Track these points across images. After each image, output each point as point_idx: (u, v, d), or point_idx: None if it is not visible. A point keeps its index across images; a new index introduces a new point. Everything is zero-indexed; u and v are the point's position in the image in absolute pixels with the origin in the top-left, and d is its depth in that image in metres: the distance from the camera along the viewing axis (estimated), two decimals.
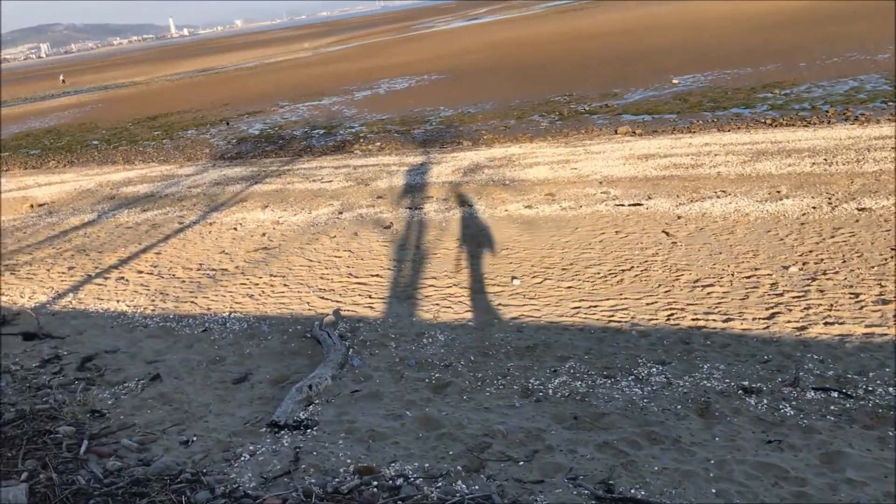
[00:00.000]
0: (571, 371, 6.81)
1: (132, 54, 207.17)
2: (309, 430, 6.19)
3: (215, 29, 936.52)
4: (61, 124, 42.92)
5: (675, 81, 26.67)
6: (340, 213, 15.28)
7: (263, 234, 14.23)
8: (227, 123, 33.37)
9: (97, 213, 18.31)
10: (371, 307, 9.30)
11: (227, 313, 9.74)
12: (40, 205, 20.84)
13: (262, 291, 10.51)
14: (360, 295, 9.81)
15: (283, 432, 6.19)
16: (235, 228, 15.09)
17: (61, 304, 11.03)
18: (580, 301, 8.58)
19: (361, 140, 25.44)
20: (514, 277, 9.62)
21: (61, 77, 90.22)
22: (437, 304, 9.07)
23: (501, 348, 7.50)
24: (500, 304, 8.78)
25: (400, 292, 9.73)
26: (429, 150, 21.97)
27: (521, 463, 5.38)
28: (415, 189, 16.56)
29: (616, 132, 20.73)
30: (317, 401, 6.77)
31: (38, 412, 7.01)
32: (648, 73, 29.43)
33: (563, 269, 9.76)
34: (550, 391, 6.49)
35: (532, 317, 8.28)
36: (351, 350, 7.87)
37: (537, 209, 13.30)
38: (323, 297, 9.87)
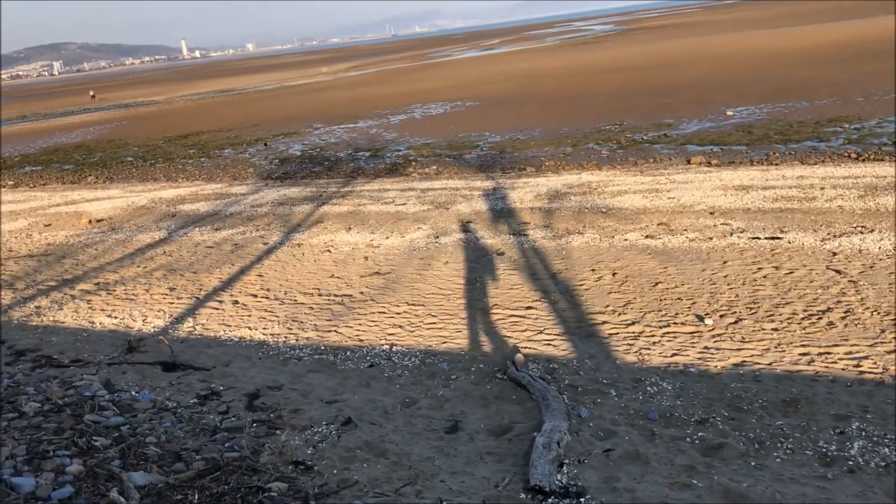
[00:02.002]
0: (864, 434, 5.59)
1: (147, 74, 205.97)
2: (581, 499, 4.93)
3: (227, 52, 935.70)
4: (89, 140, 41.64)
5: (729, 113, 25.69)
6: (437, 237, 14.12)
7: (366, 258, 13.06)
8: (266, 144, 32.17)
9: (166, 231, 17.05)
10: (551, 345, 8.10)
11: (387, 346, 8.48)
12: (98, 220, 19.55)
13: (410, 321, 9.32)
14: (528, 330, 8.62)
15: (550, 500, 4.94)
16: (329, 251, 13.91)
17: (183, 330, 9.79)
18: (802, 346, 7.44)
19: (414, 163, 24.28)
20: (700, 317, 8.39)
21: (91, 93, 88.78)
22: (630, 345, 7.89)
23: (753, 402, 6.33)
24: (708, 348, 7.63)
25: (574, 328, 8.54)
26: (492, 175, 20.85)
27: None
28: (503, 214, 15.42)
29: (689, 162, 19.70)
30: (566, 461, 5.51)
31: (231, 462, 5.77)
32: (693, 104, 28.49)
33: (749, 309, 8.60)
34: (859, 459, 5.27)
35: (760, 364, 7.11)
36: (564, 397, 6.60)
37: (661, 239, 12.15)
38: (487, 332, 8.63)
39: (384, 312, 9.81)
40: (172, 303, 11.23)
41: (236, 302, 10.95)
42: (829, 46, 41.51)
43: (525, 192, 17.72)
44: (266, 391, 7.37)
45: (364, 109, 40.18)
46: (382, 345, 8.63)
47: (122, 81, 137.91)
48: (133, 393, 7.52)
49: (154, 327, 10.06)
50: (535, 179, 19.41)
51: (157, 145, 36.28)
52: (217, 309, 10.68)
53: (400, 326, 9.21)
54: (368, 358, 8.21)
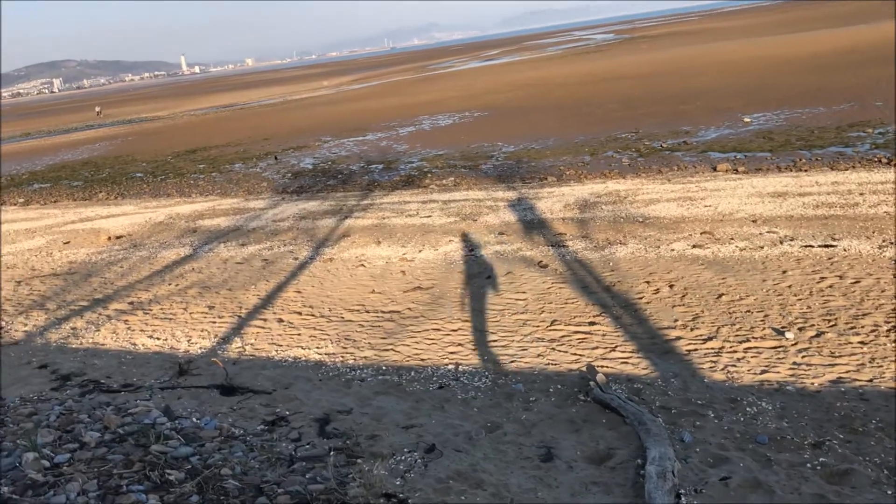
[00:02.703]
0: None
1: (148, 90, 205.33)
2: None
3: (226, 67, 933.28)
4: (95, 157, 41.19)
5: (747, 120, 25.32)
6: (472, 249, 13.62)
7: (403, 272, 12.63)
8: (276, 158, 31.74)
9: (190, 247, 16.59)
10: (628, 363, 7.67)
11: (452, 366, 8.04)
12: (118, 237, 19.09)
13: (469, 339, 8.87)
14: (598, 347, 8.19)
15: None
16: (363, 265, 13.47)
17: (233, 351, 9.34)
18: None
19: (430, 175, 23.88)
20: (779, 330, 7.96)
21: (97, 109, 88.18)
22: (713, 362, 7.46)
23: (866, 422, 5.88)
24: (798, 364, 7.21)
25: (647, 345, 8.10)
26: (513, 186, 20.46)
27: None
28: (535, 225, 15.00)
29: (715, 169, 19.34)
30: (681, 490, 5.05)
31: (318, 496, 5.33)
32: (708, 111, 28.14)
33: (826, 321, 8.18)
34: None
35: (860, 380, 6.74)
36: (659, 419, 6.14)
37: (709, 249, 11.74)
38: (555, 349, 8.20)
39: (439, 329, 9.37)
40: (214, 322, 10.77)
41: (281, 320, 10.50)
42: (834, 52, 41.25)
43: (552, 201, 17.30)
44: (336, 416, 6.92)
45: (372, 122, 39.78)
46: (446, 364, 8.19)
47: (124, 97, 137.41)
48: (194, 420, 7.06)
49: (201, 348, 9.61)
50: (559, 189, 18.99)
51: (166, 161, 35.83)
52: (263, 328, 10.22)
53: (460, 344, 8.77)
54: (435, 378, 7.76)
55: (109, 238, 19.19)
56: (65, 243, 19.04)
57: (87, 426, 7.24)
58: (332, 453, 6.30)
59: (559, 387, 7.27)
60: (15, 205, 28.90)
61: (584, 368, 7.54)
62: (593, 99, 36.63)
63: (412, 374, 7.98)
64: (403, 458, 5.99)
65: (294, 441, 6.55)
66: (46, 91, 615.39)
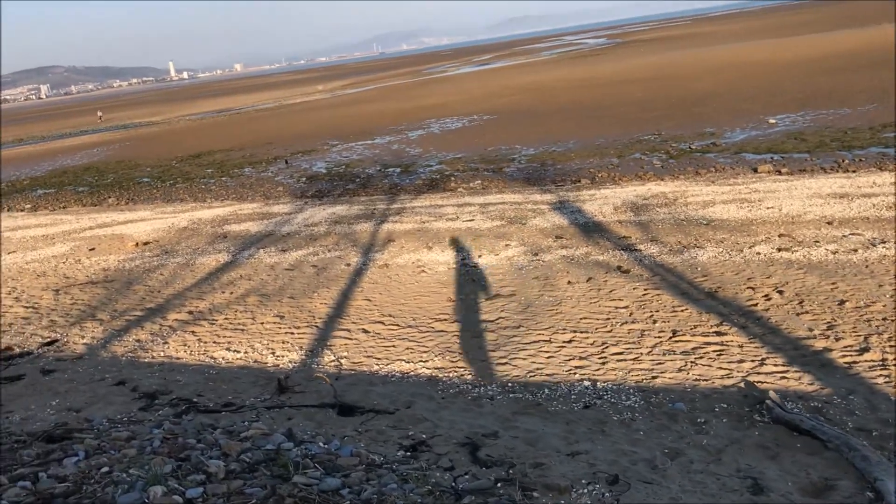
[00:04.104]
0: None
1: (138, 95, 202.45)
2: None
3: (215, 73, 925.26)
4: (96, 162, 40.04)
5: (772, 121, 24.72)
6: (535, 254, 12.94)
7: (473, 280, 11.79)
8: (287, 162, 30.79)
9: (227, 254, 15.70)
10: (788, 378, 7.01)
11: (588, 383, 7.21)
12: (145, 243, 18.12)
13: (589, 351, 8.09)
14: (744, 360, 7.51)
15: None
16: (424, 271, 12.71)
17: (328, 365, 8.52)
18: None
19: (453, 178, 23.12)
20: None
21: (99, 113, 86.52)
22: (886, 377, 6.64)
23: None
24: None
25: (796, 357, 7.42)
26: (547, 188, 19.72)
27: None
28: (591, 229, 14.27)
29: (756, 171, 18.65)
30: None
31: None
32: (726, 113, 27.57)
33: None
34: None
35: None
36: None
37: (798, 252, 11.07)
38: (696, 363, 7.42)
39: (549, 341, 8.56)
40: (292, 333, 9.90)
41: (366, 331, 9.66)
42: (836, 56, 40.85)
43: (597, 204, 16.55)
44: (482, 440, 6.10)
45: (377, 125, 38.91)
46: (579, 380, 7.35)
47: (116, 103, 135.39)
48: (321, 444, 6.17)
49: (291, 362, 8.74)
50: (598, 191, 18.26)
51: (171, 166, 34.81)
52: (349, 339, 9.38)
53: (582, 357, 7.97)
54: (574, 396, 6.95)
55: (137, 244, 18.26)
56: (90, 250, 18.07)
57: (202, 453, 6.33)
58: (498, 484, 5.42)
59: (724, 406, 6.48)
60: (22, 211, 27.83)
61: (742, 385, 6.70)
62: (603, 102, 35.95)
63: (545, 391, 7.14)
64: (585, 490, 5.17)
65: (447, 470, 5.71)
66: (33, 97, 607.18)
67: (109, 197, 28.15)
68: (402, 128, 37.09)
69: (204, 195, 26.02)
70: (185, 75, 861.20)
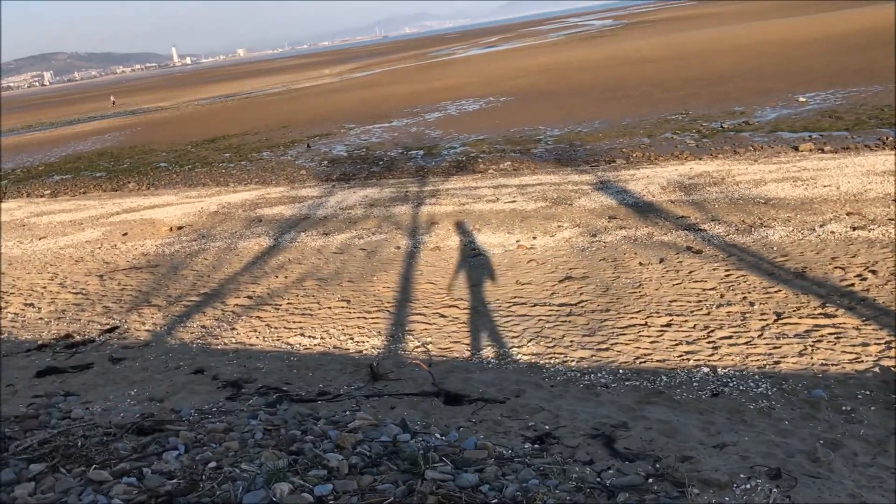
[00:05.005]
0: None
1: (142, 81, 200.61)
2: None
3: (217, 58, 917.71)
4: (109, 147, 39.43)
5: (802, 100, 24.22)
6: (593, 235, 12.51)
7: (534, 261, 11.38)
8: (308, 146, 30.18)
9: (268, 238, 15.27)
10: None
11: (705, 369, 6.77)
12: (178, 228, 17.63)
13: (692, 336, 7.72)
14: (871, 344, 7.00)
15: None
16: (479, 254, 12.11)
17: (412, 350, 8.01)
18: None
19: (480, 160, 22.61)
20: None
21: (112, 99, 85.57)
22: None
23: None
24: None
25: None
26: (582, 169, 19.26)
27: None
28: (644, 209, 13.84)
29: (797, 149, 18.17)
30: None
31: None
32: (751, 92, 27.12)
33: None
34: None
35: None
36: None
37: (876, 231, 10.76)
38: (816, 346, 6.97)
39: (647, 325, 8.14)
40: (364, 317, 9.47)
41: (441, 315, 9.26)
42: (858, 33, 40.16)
43: (642, 184, 16.12)
44: (612, 431, 5.64)
45: (392, 108, 38.33)
46: (695, 367, 6.91)
47: (121, 89, 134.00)
48: (438, 436, 5.71)
49: (374, 348, 8.32)
50: (637, 171, 17.83)
51: (187, 150, 34.24)
52: (428, 324, 8.96)
53: (689, 342, 7.53)
54: (696, 384, 6.48)
55: (171, 229, 17.80)
56: (123, 235, 17.61)
57: (315, 445, 5.89)
58: (648, 480, 4.98)
59: (866, 392, 6.06)
60: (42, 196, 27.32)
61: (877, 370, 6.25)
62: (621, 82, 35.40)
63: (663, 378, 6.71)
64: (748, 485, 4.69)
65: (586, 464, 5.28)
66: (37, 84, 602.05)
67: (129, 182, 27.64)
68: (418, 110, 36.52)
69: (226, 179, 25.52)
70: (187, 61, 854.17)
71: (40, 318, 11.21)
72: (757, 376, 6.62)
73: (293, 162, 27.40)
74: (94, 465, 5.57)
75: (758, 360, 6.98)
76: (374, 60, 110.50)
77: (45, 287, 13.13)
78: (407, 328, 8.94)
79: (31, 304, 12.07)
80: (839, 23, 48.96)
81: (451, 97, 39.48)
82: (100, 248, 16.40)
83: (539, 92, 36.55)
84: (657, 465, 5.19)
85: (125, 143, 40.91)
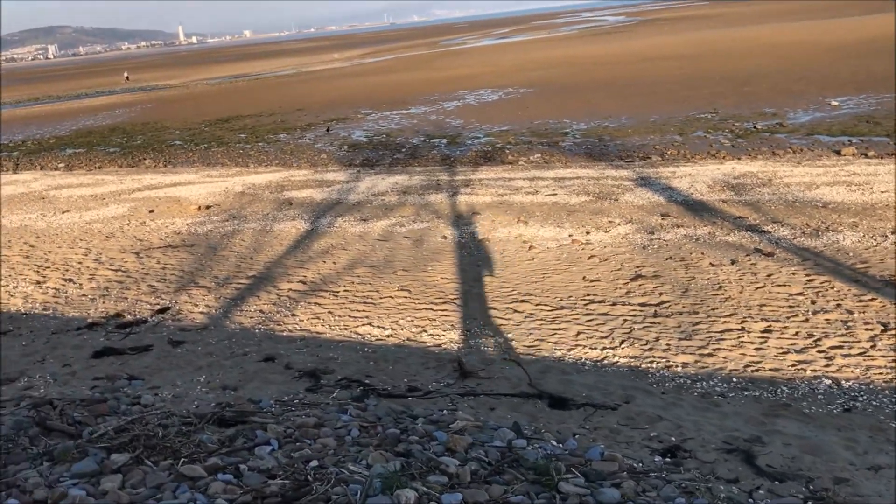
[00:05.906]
0: None
1: (148, 58, 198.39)
2: None
3: (223, 38, 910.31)
4: (121, 123, 38.78)
5: (834, 103, 23.81)
6: (650, 233, 12.09)
7: (594, 257, 10.83)
8: (328, 130, 29.59)
9: (305, 221, 14.88)
10: None
11: (827, 381, 6.31)
12: (206, 207, 17.11)
13: (799, 345, 7.34)
14: None
15: None
16: (532, 247, 11.73)
17: (495, 347, 7.52)
18: None
19: (508, 151, 22.22)
20: None
21: (125, 74, 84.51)
22: None
23: None
24: None
25: None
26: (616, 164, 18.84)
27: None
28: (695, 207, 13.47)
29: (839, 153, 17.72)
30: None
31: None
32: (780, 93, 26.82)
33: None
34: None
35: None
36: None
37: None
38: None
39: (744, 330, 7.65)
40: (431, 308, 9.01)
41: (515, 311, 8.80)
42: (882, 38, 39.56)
43: (685, 182, 15.70)
44: (747, 446, 5.16)
45: (409, 95, 37.77)
46: (814, 378, 6.43)
47: (130, 65, 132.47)
48: (554, 443, 5.22)
49: (451, 342, 7.82)
50: (677, 169, 17.40)
51: (201, 129, 33.65)
52: (504, 319, 8.56)
53: (798, 351, 7.03)
54: (821, 396, 6.00)
55: (199, 208, 17.28)
56: (150, 211, 17.11)
57: (422, 446, 5.39)
58: (794, 494, 4.49)
59: None
60: (57, 170, 26.67)
61: None
62: (642, 78, 34.90)
63: (784, 389, 6.21)
64: None
65: (731, 482, 4.79)
66: (41, 57, 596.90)
67: (145, 159, 27.08)
68: (435, 98, 36.00)
69: (245, 160, 24.99)
70: (193, 40, 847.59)
71: (83, 295, 10.68)
72: (887, 391, 6.11)
73: (312, 145, 26.88)
74: (182, 459, 5.07)
75: (881, 373, 6.50)
76: (385, 47, 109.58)
77: (80, 262, 12.61)
78: (483, 323, 8.47)
79: (71, 280, 11.54)
80: (861, 28, 48.48)
81: (468, 86, 38.95)
82: (128, 224, 15.91)
83: (558, 85, 36.04)
84: (811, 487, 4.71)
85: (136, 119, 40.26)
